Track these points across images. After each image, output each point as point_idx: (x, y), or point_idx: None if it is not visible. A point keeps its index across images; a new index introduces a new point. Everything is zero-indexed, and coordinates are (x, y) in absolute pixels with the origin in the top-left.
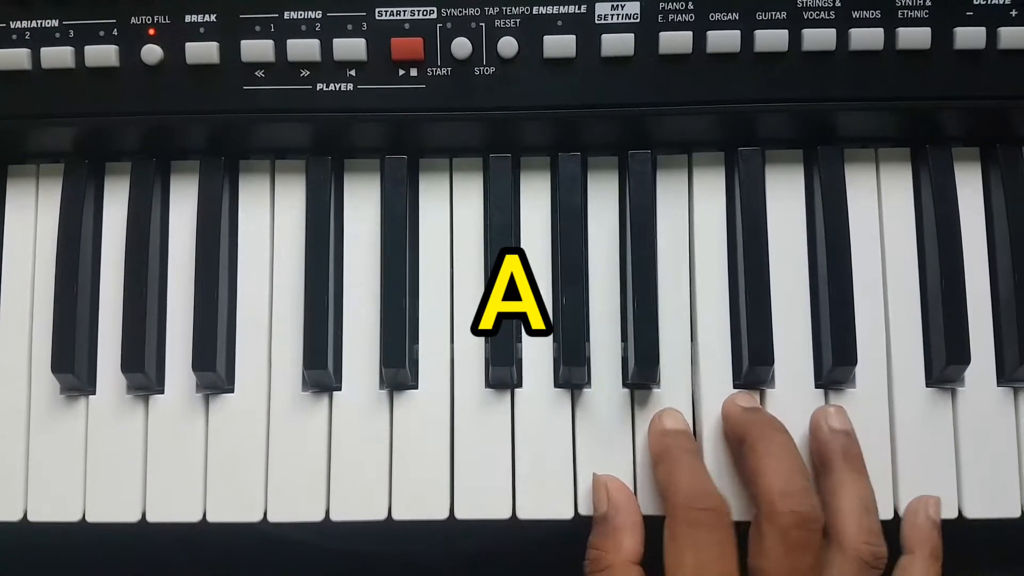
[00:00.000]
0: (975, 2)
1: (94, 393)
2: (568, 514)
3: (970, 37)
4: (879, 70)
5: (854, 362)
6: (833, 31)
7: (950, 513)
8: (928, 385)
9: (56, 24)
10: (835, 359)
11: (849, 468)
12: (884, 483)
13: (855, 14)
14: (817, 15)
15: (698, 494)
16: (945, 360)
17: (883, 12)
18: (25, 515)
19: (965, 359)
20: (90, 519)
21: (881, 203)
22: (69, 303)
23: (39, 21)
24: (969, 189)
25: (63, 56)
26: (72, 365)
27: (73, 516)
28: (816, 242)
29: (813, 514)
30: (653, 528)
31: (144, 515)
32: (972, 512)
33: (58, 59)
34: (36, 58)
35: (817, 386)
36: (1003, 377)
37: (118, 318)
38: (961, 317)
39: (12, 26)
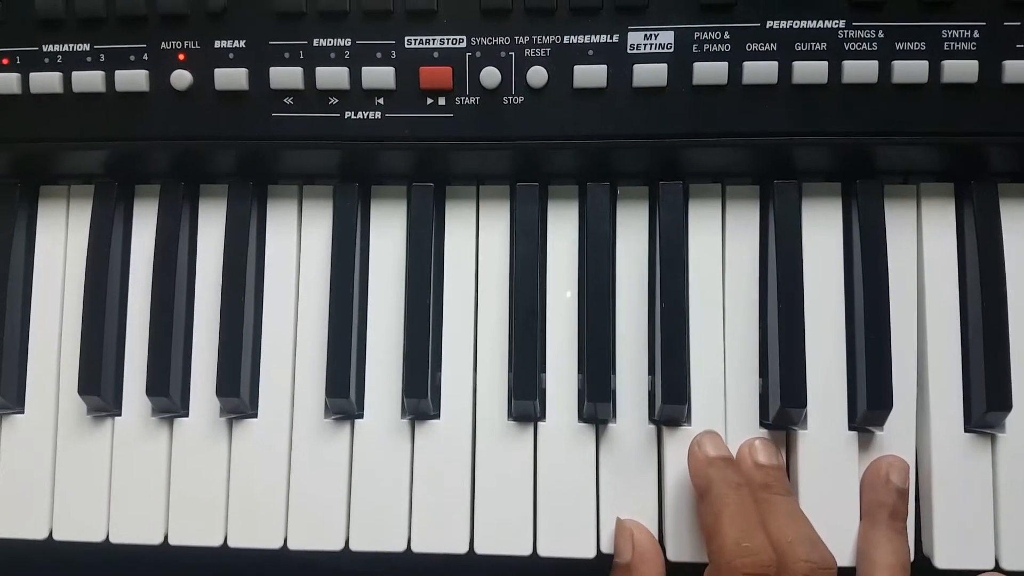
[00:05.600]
0: None
1: (120, 415)
2: (590, 553)
3: (1020, 70)
4: (923, 104)
5: (889, 406)
6: (875, 63)
7: (987, 563)
8: (967, 430)
9: (87, 48)
10: (870, 403)
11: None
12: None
13: (899, 46)
14: (859, 46)
15: (745, 552)
16: (985, 405)
17: (928, 44)
18: (51, 534)
19: (1007, 405)
20: (114, 540)
21: (921, 240)
22: (97, 324)
23: (71, 45)
24: (1014, 226)
25: (94, 80)
26: (99, 387)
27: (97, 537)
28: (853, 279)
29: (768, 571)
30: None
31: (167, 538)
32: (1010, 564)
33: (89, 83)
34: (67, 82)
35: (851, 428)
36: None
37: (145, 340)
38: (1003, 362)
39: (44, 49)
